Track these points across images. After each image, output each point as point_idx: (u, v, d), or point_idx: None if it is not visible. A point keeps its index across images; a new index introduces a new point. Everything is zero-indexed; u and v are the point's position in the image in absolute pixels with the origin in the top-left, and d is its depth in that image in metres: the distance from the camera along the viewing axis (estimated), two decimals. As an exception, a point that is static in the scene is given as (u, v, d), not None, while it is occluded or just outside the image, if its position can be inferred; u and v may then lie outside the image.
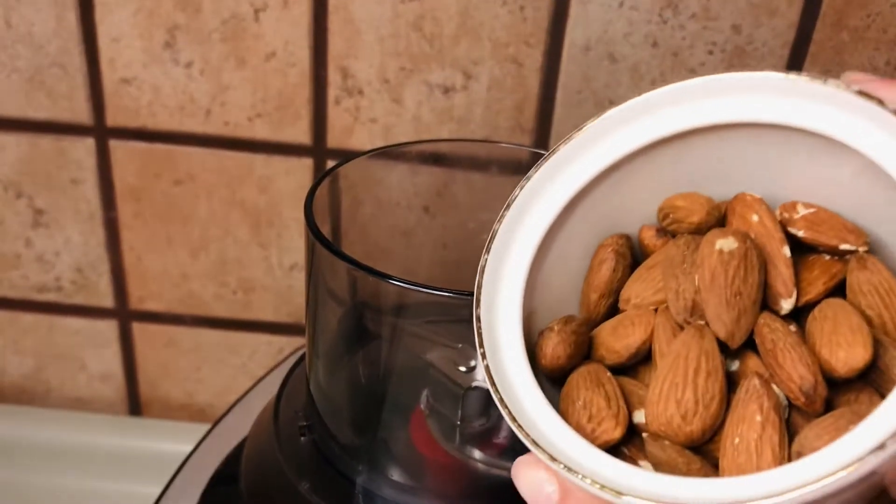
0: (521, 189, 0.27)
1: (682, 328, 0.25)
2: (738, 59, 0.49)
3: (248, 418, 0.43)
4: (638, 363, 0.27)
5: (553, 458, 0.22)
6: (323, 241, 0.31)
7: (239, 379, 0.60)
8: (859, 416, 0.21)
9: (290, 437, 0.35)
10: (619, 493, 0.21)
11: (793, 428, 0.23)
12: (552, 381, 0.27)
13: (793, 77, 0.25)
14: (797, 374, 0.23)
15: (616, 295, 0.28)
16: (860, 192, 0.26)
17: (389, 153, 0.44)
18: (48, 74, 0.51)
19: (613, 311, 0.28)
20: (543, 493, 0.23)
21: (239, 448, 0.42)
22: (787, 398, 0.23)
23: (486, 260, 0.27)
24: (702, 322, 0.25)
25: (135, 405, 0.62)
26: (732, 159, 0.27)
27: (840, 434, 0.21)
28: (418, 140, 0.51)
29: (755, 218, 0.26)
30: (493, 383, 0.24)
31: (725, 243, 0.25)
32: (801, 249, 0.26)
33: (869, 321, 0.24)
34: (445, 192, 0.48)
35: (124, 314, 0.58)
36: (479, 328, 0.25)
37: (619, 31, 0.49)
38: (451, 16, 0.49)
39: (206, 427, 0.50)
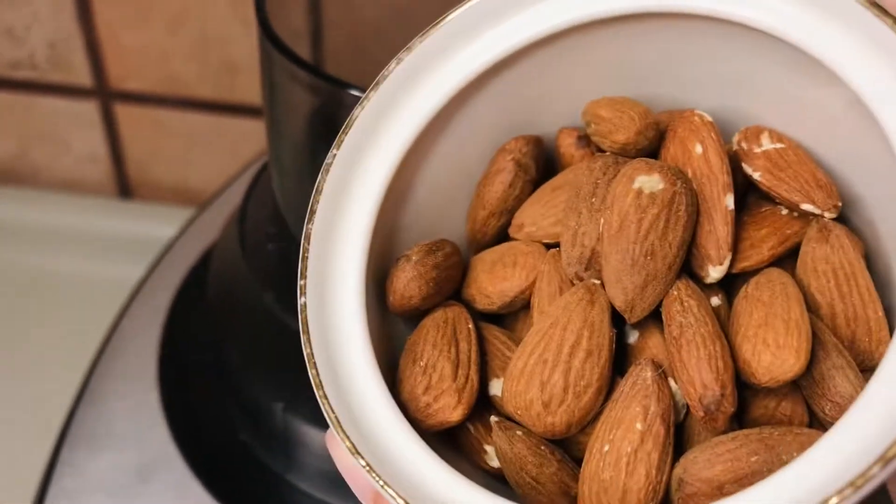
0: (399, 62, 0.20)
1: (571, 283, 0.20)
2: None
3: (236, 203, 0.41)
4: (519, 310, 0.21)
5: (356, 450, 0.17)
6: (278, 43, 0.28)
7: (230, 163, 0.58)
8: (768, 450, 0.17)
9: (257, 245, 0.33)
10: None
11: (688, 436, 0.19)
12: (407, 320, 0.21)
13: None
14: (700, 380, 0.17)
15: (511, 215, 0.22)
16: (849, 134, 0.19)
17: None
18: None
19: (505, 235, 0.22)
20: (362, 477, 0.18)
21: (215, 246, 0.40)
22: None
23: (335, 156, 0.20)
24: (597, 281, 0.19)
25: (124, 188, 0.60)
26: (690, 57, 0.20)
27: (737, 469, 0.17)
28: None
29: (698, 149, 0.19)
30: (305, 328, 0.19)
31: (648, 182, 0.18)
32: (756, 193, 0.21)
33: (816, 309, 0.19)
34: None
35: (105, 94, 0.55)
36: (305, 250, 0.19)
37: None
38: None
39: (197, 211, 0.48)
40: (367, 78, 0.45)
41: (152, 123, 0.56)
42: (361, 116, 0.20)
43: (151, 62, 0.53)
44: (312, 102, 0.29)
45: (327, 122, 0.29)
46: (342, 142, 0.20)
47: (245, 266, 0.32)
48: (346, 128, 0.20)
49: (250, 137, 0.57)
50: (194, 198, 0.60)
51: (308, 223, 0.19)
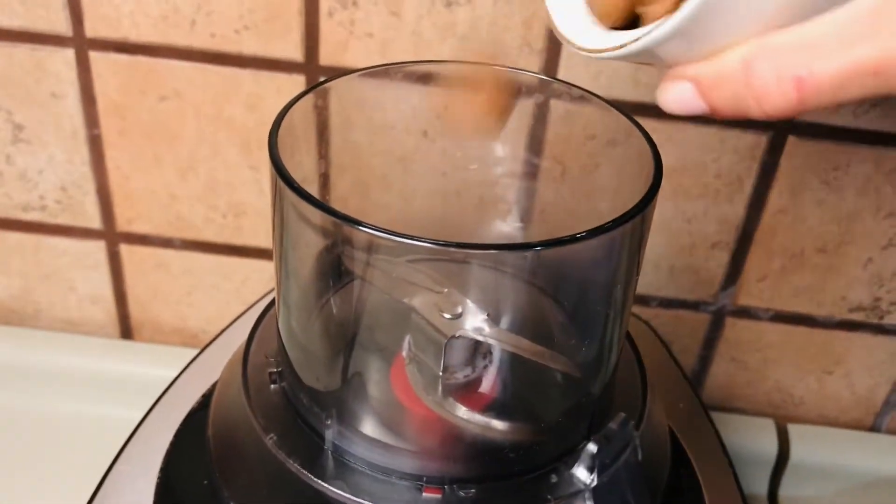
0: None
1: None
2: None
3: (237, 345, 0.41)
4: None
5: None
6: (289, 181, 0.28)
7: (232, 304, 0.58)
8: None
9: (260, 385, 0.33)
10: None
11: None
12: None
13: None
14: None
15: None
16: None
17: (383, 73, 0.40)
18: (21, -20, 0.47)
19: None
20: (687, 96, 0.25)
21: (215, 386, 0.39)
22: None
23: None
24: None
25: (126, 328, 0.60)
26: None
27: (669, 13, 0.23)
28: (416, 60, 0.47)
29: None
30: None
31: None
32: None
33: None
34: (446, 115, 0.44)
35: (112, 235, 0.56)
36: None
37: (639, -60, 0.44)
38: (453, -80, 0.44)
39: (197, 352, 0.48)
40: (371, 220, 0.46)
41: (156, 264, 0.57)
42: None
43: (159, 205, 0.54)
44: (321, 240, 0.29)
45: (335, 259, 0.30)
46: None
47: (247, 406, 0.32)
48: None
49: (252, 280, 0.57)
50: (194, 338, 0.60)
51: None
